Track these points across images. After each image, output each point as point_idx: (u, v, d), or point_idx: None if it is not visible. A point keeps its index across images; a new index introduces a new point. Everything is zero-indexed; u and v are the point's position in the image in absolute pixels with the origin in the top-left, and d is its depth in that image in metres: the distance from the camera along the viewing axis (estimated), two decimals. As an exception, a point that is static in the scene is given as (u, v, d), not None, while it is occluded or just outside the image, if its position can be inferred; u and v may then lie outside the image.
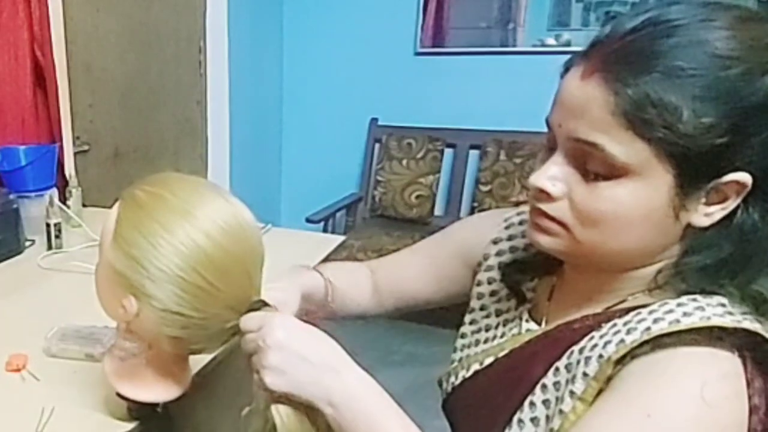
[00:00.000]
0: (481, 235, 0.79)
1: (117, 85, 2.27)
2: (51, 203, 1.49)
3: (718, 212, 0.54)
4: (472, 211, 3.00)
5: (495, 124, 2.96)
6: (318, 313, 0.78)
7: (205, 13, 2.70)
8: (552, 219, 0.59)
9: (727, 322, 0.51)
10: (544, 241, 0.61)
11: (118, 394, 0.74)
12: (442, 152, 3.03)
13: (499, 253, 0.77)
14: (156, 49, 2.46)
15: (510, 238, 0.77)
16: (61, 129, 1.88)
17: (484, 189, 2.93)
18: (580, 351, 0.57)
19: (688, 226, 0.56)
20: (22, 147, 1.69)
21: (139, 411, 0.78)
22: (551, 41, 2.87)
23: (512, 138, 2.89)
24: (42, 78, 1.81)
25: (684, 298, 0.54)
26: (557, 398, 0.57)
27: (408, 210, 3.04)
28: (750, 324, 0.51)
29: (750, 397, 0.50)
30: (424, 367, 2.39)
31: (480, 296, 0.78)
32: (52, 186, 1.65)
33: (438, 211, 3.10)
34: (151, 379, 0.72)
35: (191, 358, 0.76)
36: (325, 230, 2.87)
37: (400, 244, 2.76)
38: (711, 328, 0.51)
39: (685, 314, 0.52)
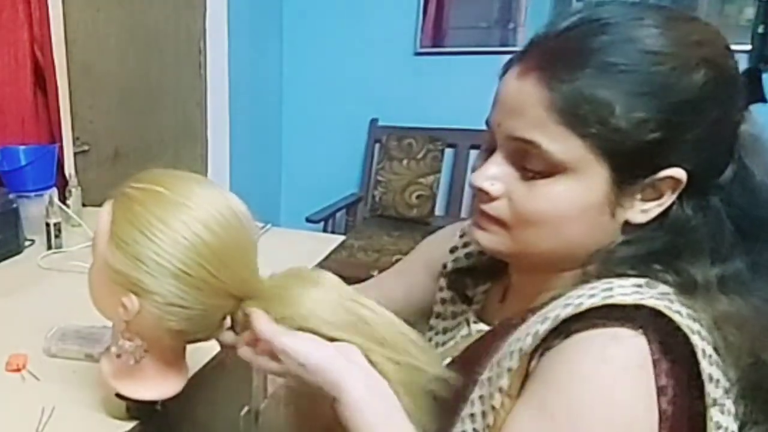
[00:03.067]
0: (441, 246, 0.80)
1: (117, 85, 2.27)
2: (51, 203, 1.49)
3: (654, 209, 0.55)
4: (472, 211, 2.99)
5: (495, 124, 2.96)
6: None
7: (205, 13, 2.70)
8: (491, 218, 0.60)
9: (628, 300, 0.51)
10: (484, 239, 0.62)
11: (117, 394, 0.74)
12: (442, 152, 3.03)
13: (456, 260, 0.78)
14: (156, 49, 2.46)
15: (465, 245, 0.78)
16: (60, 129, 1.88)
17: (484, 189, 2.92)
18: (509, 345, 0.57)
19: (626, 223, 0.56)
20: (22, 147, 1.69)
21: (138, 410, 0.78)
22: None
23: (512, 138, 2.88)
24: (42, 78, 1.81)
25: (598, 282, 0.54)
26: (490, 394, 0.58)
27: (408, 210, 3.04)
28: (654, 302, 0.50)
29: (656, 378, 0.50)
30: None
31: (443, 301, 0.79)
32: (52, 186, 1.65)
33: (438, 211, 3.10)
34: (149, 377, 0.72)
35: (191, 357, 0.76)
36: (325, 230, 2.87)
37: (401, 244, 2.77)
38: (614, 307, 0.51)
39: (590, 296, 0.52)
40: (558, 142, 0.54)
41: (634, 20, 0.53)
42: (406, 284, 0.85)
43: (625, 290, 0.52)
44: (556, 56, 0.54)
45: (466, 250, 0.78)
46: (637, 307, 0.51)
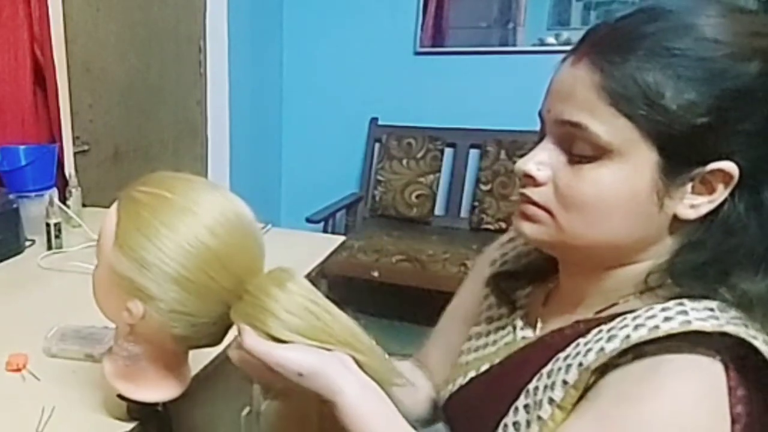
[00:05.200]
0: (485, 261, 0.79)
1: (117, 85, 2.27)
2: (51, 203, 1.49)
3: (704, 205, 0.54)
4: (472, 210, 3.00)
5: (495, 124, 2.96)
6: None
7: (205, 13, 2.70)
8: (537, 205, 0.59)
9: (708, 326, 0.49)
10: (529, 230, 0.60)
11: (119, 395, 0.74)
12: (442, 152, 3.03)
13: (501, 263, 0.77)
14: (156, 49, 2.46)
15: (503, 255, 0.77)
16: (61, 129, 1.88)
17: (484, 188, 2.93)
18: (565, 358, 0.56)
19: (675, 218, 0.55)
20: (22, 147, 1.69)
21: (139, 411, 0.77)
22: (551, 40, 2.87)
23: (512, 137, 2.89)
24: (42, 78, 1.80)
25: (670, 303, 0.53)
26: (536, 403, 0.57)
27: (408, 209, 3.04)
28: (734, 328, 0.49)
29: (731, 406, 0.49)
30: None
31: (488, 308, 0.77)
32: (52, 186, 1.64)
33: (438, 210, 3.10)
34: (151, 379, 0.72)
35: (191, 358, 0.76)
36: (325, 230, 2.87)
37: (400, 244, 2.77)
38: (691, 333, 0.49)
39: (666, 319, 0.51)
40: (605, 124, 0.53)
41: (693, 9, 0.53)
42: (468, 317, 0.80)
43: (700, 314, 0.51)
44: (609, 41, 0.54)
45: (504, 258, 0.77)
46: (716, 334, 0.49)
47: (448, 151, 3.07)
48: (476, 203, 2.96)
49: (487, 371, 0.69)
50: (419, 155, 3.04)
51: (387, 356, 0.62)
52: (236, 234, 0.61)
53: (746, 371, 0.49)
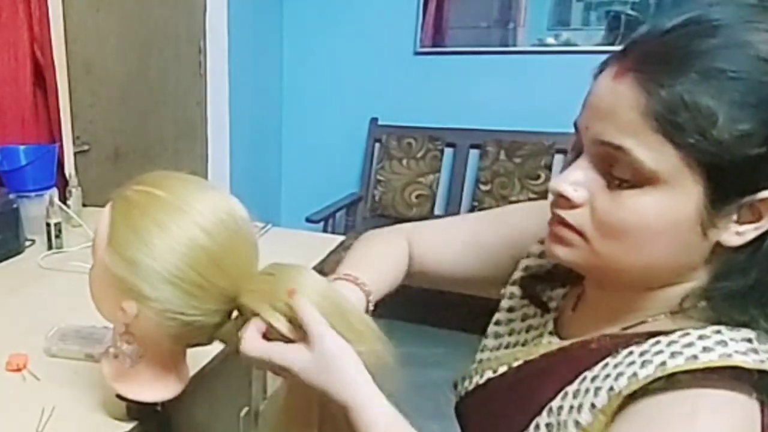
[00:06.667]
0: (535, 225, 0.72)
1: (117, 85, 2.27)
2: (51, 203, 1.49)
3: (750, 232, 0.51)
4: (471, 210, 3.00)
5: (495, 124, 2.96)
6: None
7: (205, 13, 2.70)
8: (571, 228, 0.56)
9: (749, 362, 0.47)
10: (562, 253, 0.57)
11: (117, 395, 0.74)
12: (442, 152, 3.03)
13: (541, 255, 0.73)
14: (156, 49, 2.46)
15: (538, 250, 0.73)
16: (61, 129, 1.88)
17: (484, 188, 2.93)
18: (593, 379, 0.54)
19: (717, 244, 0.52)
20: (22, 147, 1.69)
21: (138, 411, 0.78)
22: (551, 41, 2.87)
23: (512, 137, 2.89)
24: (42, 78, 1.80)
25: (708, 330, 0.51)
26: (559, 423, 0.55)
27: (408, 209, 3.04)
28: None
29: None
30: (421, 368, 2.37)
31: (511, 296, 0.75)
32: (52, 186, 1.65)
33: (438, 210, 3.10)
34: (149, 378, 0.72)
35: (191, 358, 0.76)
36: (325, 230, 2.87)
37: (400, 243, 2.76)
38: (730, 368, 0.48)
39: (704, 349, 0.49)
40: (651, 151, 0.49)
41: (748, 23, 0.48)
42: (482, 250, 0.78)
43: (738, 346, 0.49)
44: (657, 58, 0.50)
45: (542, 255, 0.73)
46: (755, 371, 0.47)
47: (448, 151, 3.07)
48: (476, 203, 2.96)
49: (504, 374, 0.67)
50: (419, 155, 3.04)
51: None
52: (229, 233, 0.61)
53: None
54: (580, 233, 0.55)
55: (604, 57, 0.56)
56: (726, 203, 0.50)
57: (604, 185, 0.53)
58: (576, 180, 0.55)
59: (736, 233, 0.51)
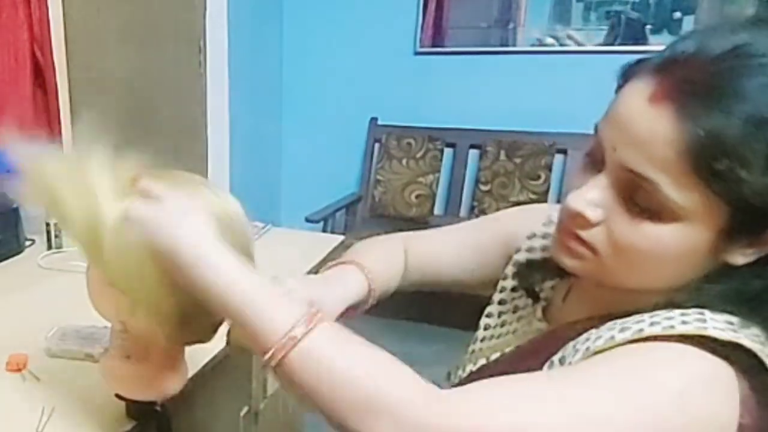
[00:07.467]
0: (525, 226, 0.76)
1: (117, 85, 2.27)
2: (51, 203, 1.49)
3: (755, 253, 0.51)
4: (471, 211, 3.00)
5: (495, 124, 2.96)
6: (350, 314, 0.73)
7: (205, 13, 2.70)
8: (583, 243, 0.55)
9: (724, 336, 0.48)
10: (571, 263, 0.58)
11: (117, 395, 0.75)
12: (441, 152, 3.03)
13: (529, 249, 0.75)
14: (156, 48, 2.46)
15: (545, 236, 0.73)
16: (61, 129, 1.88)
17: (483, 188, 2.93)
18: (574, 345, 0.56)
19: (723, 263, 0.53)
20: (22, 147, 1.69)
21: (138, 410, 0.78)
22: (551, 41, 2.87)
23: (512, 138, 2.89)
24: (42, 78, 1.80)
25: (690, 310, 0.52)
26: None
27: (408, 209, 3.04)
28: (750, 343, 0.47)
29: (741, 413, 0.47)
30: (420, 366, 2.36)
31: (502, 289, 0.77)
32: (52, 186, 1.64)
33: (438, 210, 3.10)
34: (147, 378, 0.72)
35: (191, 358, 0.76)
36: (324, 230, 2.87)
37: (400, 243, 2.77)
38: (705, 338, 0.48)
39: (683, 322, 0.50)
40: (682, 191, 0.48)
41: None
42: (477, 252, 0.81)
43: (718, 324, 0.49)
44: (701, 92, 0.47)
45: (545, 242, 0.73)
46: (730, 344, 0.48)
47: (448, 151, 3.07)
48: (475, 203, 2.96)
49: (497, 360, 0.70)
50: (419, 155, 3.04)
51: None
52: (225, 233, 0.61)
53: (758, 387, 0.48)
54: (593, 249, 0.55)
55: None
56: (745, 236, 0.50)
57: (624, 209, 0.52)
58: (593, 199, 0.54)
59: (742, 255, 0.51)
